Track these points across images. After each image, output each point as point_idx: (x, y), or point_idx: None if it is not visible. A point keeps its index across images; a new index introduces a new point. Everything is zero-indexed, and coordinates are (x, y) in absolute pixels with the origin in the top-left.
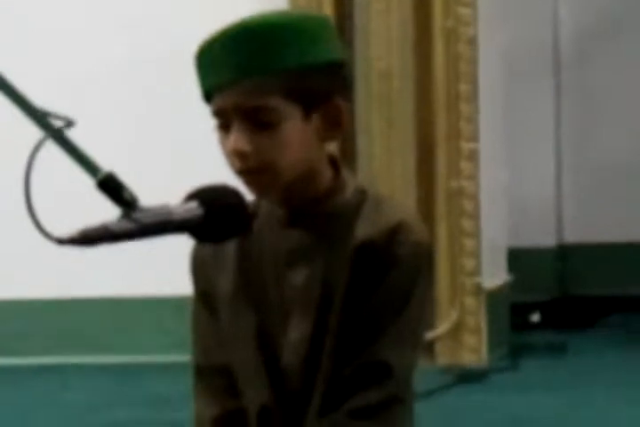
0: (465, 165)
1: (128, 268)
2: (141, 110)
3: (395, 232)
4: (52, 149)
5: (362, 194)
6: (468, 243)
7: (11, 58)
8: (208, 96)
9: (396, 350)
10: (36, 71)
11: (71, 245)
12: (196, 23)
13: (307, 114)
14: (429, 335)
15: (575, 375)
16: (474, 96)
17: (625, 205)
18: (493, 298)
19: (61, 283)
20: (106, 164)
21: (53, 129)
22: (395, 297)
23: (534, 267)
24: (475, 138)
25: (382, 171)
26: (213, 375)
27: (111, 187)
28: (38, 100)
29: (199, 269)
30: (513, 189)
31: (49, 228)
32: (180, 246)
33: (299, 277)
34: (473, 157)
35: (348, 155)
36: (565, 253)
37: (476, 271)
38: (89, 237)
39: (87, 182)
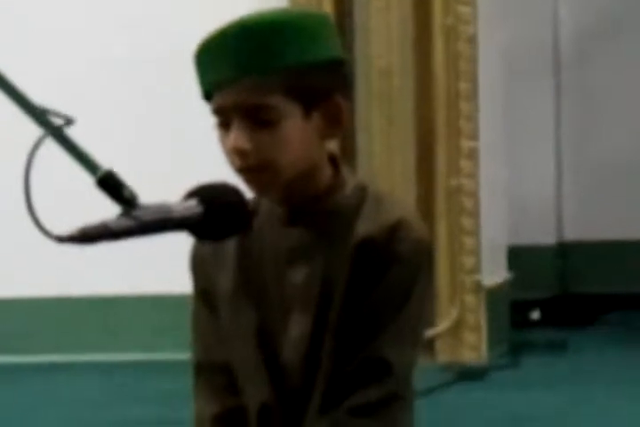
0: (465, 163)
1: (128, 266)
2: (141, 109)
3: (395, 229)
4: (51, 147)
5: (362, 191)
6: (468, 241)
7: (10, 58)
8: (208, 94)
9: (396, 347)
10: (35, 71)
11: (71, 243)
12: (196, 22)
13: (307, 112)
14: (429, 333)
15: (575, 373)
16: (474, 94)
17: (625, 203)
18: (493, 296)
19: (61, 281)
20: (105, 162)
21: (53, 127)
22: (395, 294)
23: (534, 265)
24: (474, 136)
25: (382, 168)
26: (213, 373)
27: (111, 185)
28: (38, 99)
29: (199, 267)
30: (513, 188)
31: (49, 226)
32: (180, 245)
33: (299, 274)
34: (473, 155)
35: (348, 153)
36: (565, 251)
37: (476, 269)
38: (89, 235)
39: (87, 180)
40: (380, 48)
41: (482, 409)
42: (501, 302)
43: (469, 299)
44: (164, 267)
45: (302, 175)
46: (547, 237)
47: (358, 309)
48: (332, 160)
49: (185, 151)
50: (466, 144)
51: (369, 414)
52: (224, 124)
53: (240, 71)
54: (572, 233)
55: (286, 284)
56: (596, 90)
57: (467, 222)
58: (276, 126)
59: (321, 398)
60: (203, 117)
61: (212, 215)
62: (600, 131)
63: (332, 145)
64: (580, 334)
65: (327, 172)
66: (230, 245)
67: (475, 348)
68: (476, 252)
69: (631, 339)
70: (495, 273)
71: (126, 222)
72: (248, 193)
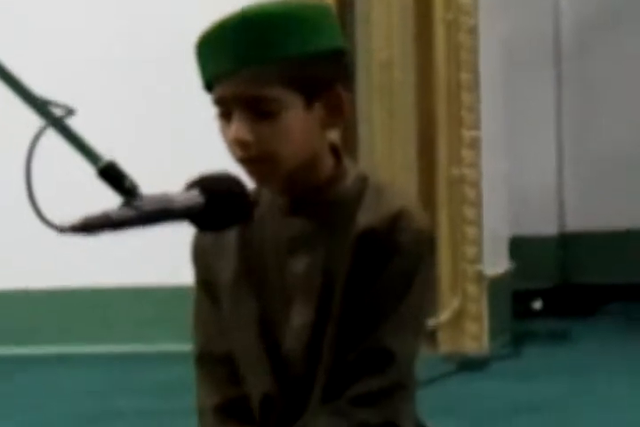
0: (466, 153)
1: (129, 257)
2: (143, 100)
3: (396, 219)
4: (52, 138)
5: (363, 182)
6: (470, 231)
7: (10, 57)
8: (209, 85)
9: (397, 337)
10: (35, 68)
11: (72, 234)
12: (197, 21)
13: (308, 102)
14: (431, 323)
15: (577, 363)
16: (475, 85)
17: (626, 193)
18: (495, 286)
19: (60, 273)
20: (107, 152)
21: (54, 118)
22: (396, 284)
23: (536, 255)
24: (476, 126)
25: (384, 160)
26: (215, 364)
27: (112, 175)
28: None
29: (200, 257)
30: (515, 178)
31: (50, 216)
32: (179, 236)
33: (300, 264)
34: (474, 144)
35: (349, 145)
36: (567, 242)
37: (478, 259)
38: (90, 226)
39: (88, 171)
40: (380, 40)
41: (483, 399)
42: (503, 292)
43: (471, 289)
44: (163, 259)
45: (304, 166)
46: (548, 228)
47: (360, 299)
48: (334, 151)
49: (186, 140)
50: (467, 134)
51: (370, 404)
52: (225, 115)
53: (239, 63)
54: (574, 223)
55: (287, 274)
56: (597, 81)
57: (468, 212)
58: (276, 117)
59: (323, 387)
60: (204, 107)
61: (213, 205)
62: (601, 121)
63: (334, 136)
64: (581, 324)
65: (328, 162)
66: (231, 236)
67: (476, 338)
68: (478, 241)
69: (632, 329)
70: (497, 263)
71: (127, 213)
72: (249, 183)
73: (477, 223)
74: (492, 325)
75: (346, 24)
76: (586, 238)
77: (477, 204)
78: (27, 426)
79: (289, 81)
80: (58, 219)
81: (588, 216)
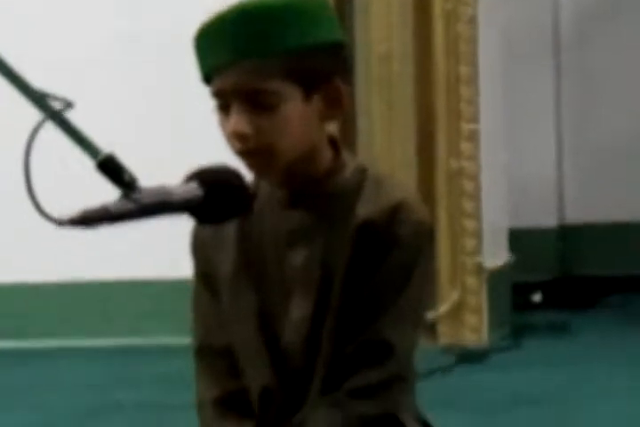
0: (465, 146)
1: (128, 250)
2: (143, 99)
3: (395, 211)
4: (51, 131)
5: (362, 174)
6: (469, 223)
7: (9, 54)
8: (207, 78)
9: (397, 329)
10: (35, 68)
11: (71, 227)
12: (198, 13)
13: (307, 95)
14: (430, 315)
15: (576, 355)
16: (474, 78)
17: (626, 184)
18: (495, 278)
19: (60, 267)
20: (105, 145)
21: (53, 110)
22: (396, 276)
23: (536, 247)
24: (475, 119)
25: (383, 152)
26: (214, 357)
27: (111, 168)
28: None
29: (199, 250)
30: (514, 170)
31: (48, 209)
32: (180, 228)
33: (299, 257)
34: (473, 137)
35: (348, 138)
36: (567, 234)
37: (477, 251)
38: (89, 219)
39: (87, 164)
40: (379, 33)
41: (483, 391)
42: (502, 284)
43: (470, 281)
44: (162, 252)
45: (302, 158)
46: (548, 220)
47: (359, 291)
48: (333, 143)
49: (185, 133)
50: (466, 126)
51: (369, 396)
52: (223, 107)
53: (237, 55)
54: (574, 215)
55: (286, 266)
56: (596, 71)
57: (467, 205)
58: (275, 110)
59: (322, 380)
60: (203, 99)
61: (212, 198)
62: (600, 112)
63: (332, 128)
64: (581, 316)
65: (327, 154)
66: (230, 228)
67: (476, 330)
68: (478, 234)
69: (632, 321)
70: (496, 255)
71: (126, 205)
72: (248, 176)
73: (476, 216)
74: (491, 317)
75: (345, 16)
76: (586, 230)
77: (476, 196)
78: (26, 419)
79: (288, 73)
80: (56, 212)
81: (588, 208)
